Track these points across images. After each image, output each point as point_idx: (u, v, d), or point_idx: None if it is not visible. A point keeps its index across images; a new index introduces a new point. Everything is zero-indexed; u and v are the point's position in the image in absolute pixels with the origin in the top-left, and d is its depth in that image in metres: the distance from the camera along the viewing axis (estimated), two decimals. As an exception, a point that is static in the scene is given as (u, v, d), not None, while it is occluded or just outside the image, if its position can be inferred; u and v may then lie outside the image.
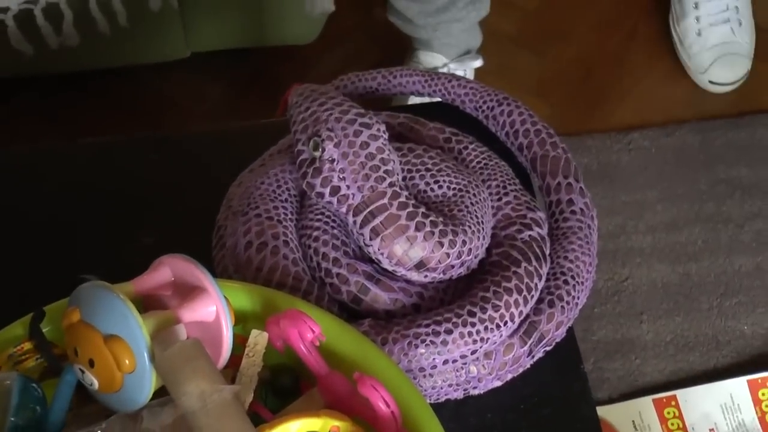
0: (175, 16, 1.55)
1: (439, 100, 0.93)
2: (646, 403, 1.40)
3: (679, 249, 1.56)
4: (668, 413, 1.39)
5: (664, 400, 1.40)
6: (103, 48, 1.54)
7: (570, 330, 0.81)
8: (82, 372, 0.61)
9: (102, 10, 1.45)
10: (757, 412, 1.38)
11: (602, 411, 1.38)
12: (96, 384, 0.61)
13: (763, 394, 1.39)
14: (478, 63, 1.60)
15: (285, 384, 0.69)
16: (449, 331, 0.72)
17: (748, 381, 1.40)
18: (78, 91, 1.67)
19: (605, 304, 1.50)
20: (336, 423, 0.62)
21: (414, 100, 1.09)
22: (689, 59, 1.70)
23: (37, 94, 1.67)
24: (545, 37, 1.77)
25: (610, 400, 1.40)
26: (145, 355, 0.59)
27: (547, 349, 0.79)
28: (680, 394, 1.40)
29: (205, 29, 1.63)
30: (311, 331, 0.64)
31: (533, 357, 0.78)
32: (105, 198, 0.88)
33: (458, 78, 0.92)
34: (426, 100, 0.96)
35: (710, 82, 1.69)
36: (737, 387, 1.40)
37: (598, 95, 1.71)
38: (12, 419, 0.61)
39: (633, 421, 1.38)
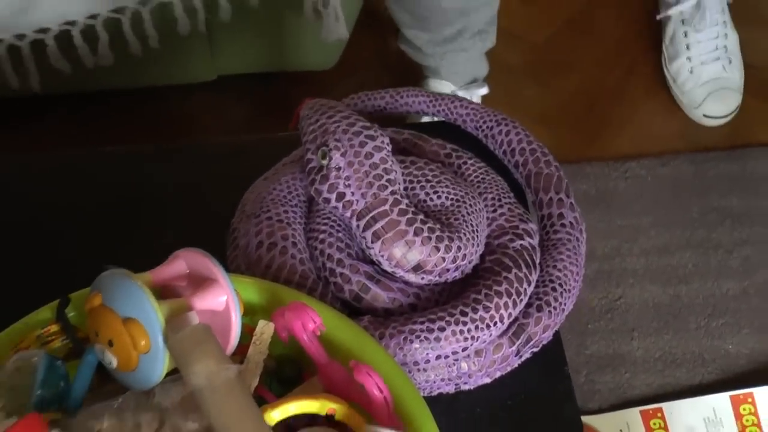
0: (203, 41, 1.57)
1: (443, 119, 0.95)
2: (634, 414, 1.41)
3: (671, 272, 1.57)
4: (654, 424, 1.40)
5: (651, 411, 1.41)
6: (135, 68, 1.57)
7: (556, 334, 0.83)
8: (102, 352, 0.63)
9: (135, 32, 1.47)
10: (738, 426, 1.39)
11: (592, 420, 1.40)
12: (114, 363, 0.63)
13: (744, 409, 1.40)
14: (484, 91, 1.62)
15: (289, 373, 0.71)
16: (442, 329, 0.74)
17: (730, 396, 1.41)
18: (106, 108, 1.70)
19: (599, 320, 1.51)
20: (333, 406, 0.64)
21: (427, 119, 1.11)
22: (683, 95, 1.72)
23: (68, 110, 1.70)
24: (550, 70, 1.79)
25: (600, 410, 1.41)
26: (159, 337, 0.61)
27: (534, 350, 0.81)
28: (666, 406, 1.41)
29: (231, 54, 1.65)
30: (313, 321, 0.66)
31: (521, 357, 0.80)
32: (130, 200, 0.90)
33: (460, 99, 0.94)
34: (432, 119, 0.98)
35: (704, 115, 1.71)
36: (720, 402, 1.41)
37: (598, 126, 1.73)
38: (38, 392, 0.64)
39: (621, 430, 1.40)
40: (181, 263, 0.67)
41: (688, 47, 1.71)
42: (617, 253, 1.59)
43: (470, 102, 0.93)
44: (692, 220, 1.62)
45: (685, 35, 1.72)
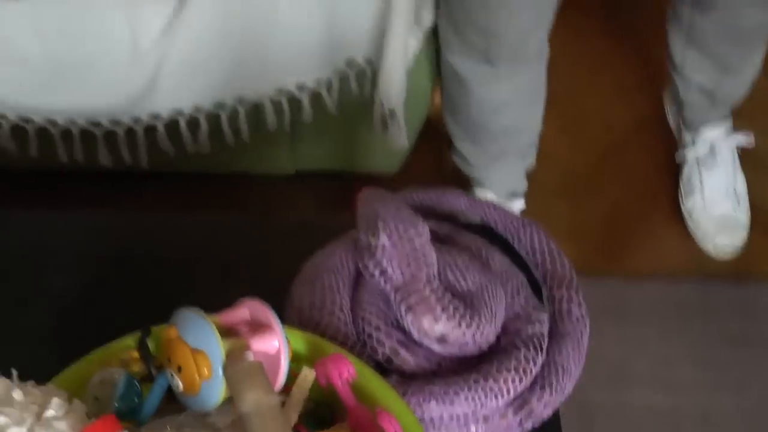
0: (286, 138, 1.64)
1: (478, 220, 1.00)
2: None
3: (672, 381, 1.57)
4: None
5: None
6: (226, 156, 1.65)
7: (556, 412, 0.85)
8: (172, 376, 0.68)
9: (231, 126, 1.55)
10: None
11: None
12: (181, 387, 0.67)
13: None
14: (521, 204, 1.67)
15: (324, 415, 0.74)
16: (457, 393, 0.78)
17: (716, 497, 1.41)
18: (195, 187, 1.75)
19: (604, 418, 1.52)
20: (356, 443, 0.68)
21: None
22: (696, 228, 1.74)
23: (165, 186, 1.75)
24: (580, 193, 1.82)
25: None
26: (220, 367, 0.66)
27: (535, 424, 0.83)
28: (657, 499, 1.41)
29: (309, 152, 1.72)
30: (348, 371, 0.70)
31: (522, 428, 0.82)
32: (208, 258, 0.96)
33: (495, 205, 0.99)
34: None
35: (714, 247, 1.73)
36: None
37: (620, 245, 1.76)
38: (116, 404, 0.68)
39: None
40: (244, 310, 0.72)
41: (701, 186, 1.75)
42: (626, 359, 1.60)
43: (501, 208, 0.98)
44: (695, 337, 1.63)
45: (700, 175, 1.75)
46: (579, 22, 1.91)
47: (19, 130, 1.54)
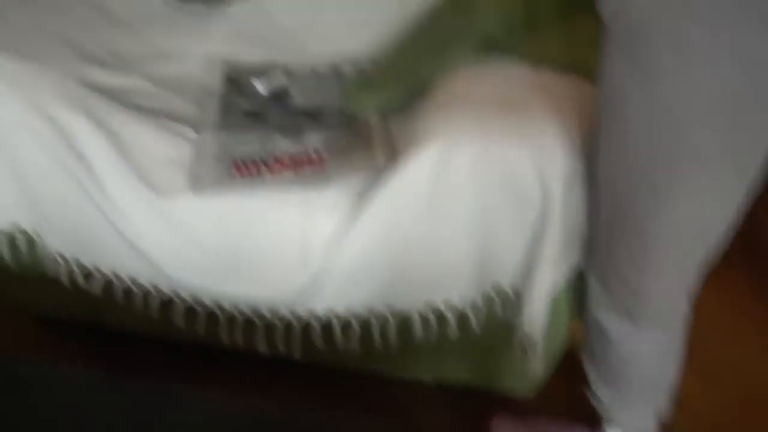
0: (429, 349, 1.67)
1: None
2: None
3: None
4: None
5: None
6: (373, 359, 1.70)
7: None
8: None
9: (380, 335, 1.62)
10: None
11: None
12: None
13: None
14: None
15: None
16: None
17: None
18: (338, 383, 1.79)
19: None
20: None
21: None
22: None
23: (311, 379, 1.81)
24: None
25: None
26: None
27: None
28: None
29: (449, 365, 1.74)
30: None
31: None
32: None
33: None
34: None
35: None
36: None
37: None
38: None
39: None
40: None
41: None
42: None
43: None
44: None
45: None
46: (722, 275, 1.91)
47: (190, 310, 1.66)
